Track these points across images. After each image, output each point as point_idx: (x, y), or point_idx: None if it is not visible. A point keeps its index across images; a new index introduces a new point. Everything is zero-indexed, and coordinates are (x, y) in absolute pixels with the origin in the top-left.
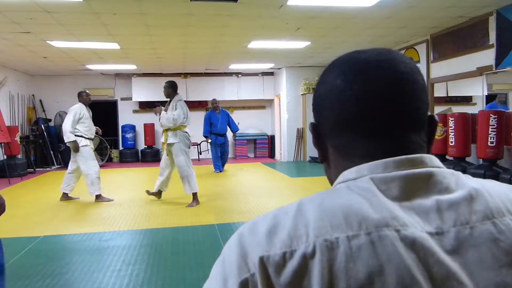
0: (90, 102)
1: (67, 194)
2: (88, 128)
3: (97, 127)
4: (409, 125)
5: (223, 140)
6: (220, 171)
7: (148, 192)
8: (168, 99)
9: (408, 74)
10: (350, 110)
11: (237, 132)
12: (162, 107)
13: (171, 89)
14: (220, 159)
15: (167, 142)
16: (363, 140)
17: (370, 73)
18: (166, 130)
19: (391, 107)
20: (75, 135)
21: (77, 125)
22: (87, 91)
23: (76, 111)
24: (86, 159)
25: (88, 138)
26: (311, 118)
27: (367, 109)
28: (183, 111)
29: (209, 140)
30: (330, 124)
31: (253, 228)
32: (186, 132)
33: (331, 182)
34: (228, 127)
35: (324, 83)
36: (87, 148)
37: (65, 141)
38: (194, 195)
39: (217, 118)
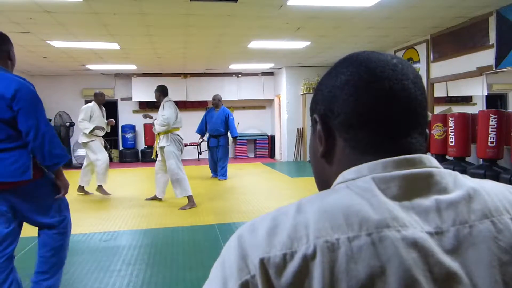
0: (104, 102)
1: (83, 187)
2: (98, 125)
3: (111, 119)
4: (421, 127)
5: (215, 142)
6: (215, 177)
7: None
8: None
9: (421, 79)
10: (376, 105)
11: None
12: (151, 116)
13: (160, 93)
14: (214, 164)
15: (159, 146)
16: (383, 137)
17: (397, 71)
18: (159, 133)
19: (413, 107)
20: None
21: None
22: (101, 92)
23: (87, 109)
24: (94, 151)
25: (96, 135)
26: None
27: (396, 107)
28: (172, 110)
29: (200, 140)
30: (345, 117)
31: (252, 230)
32: (178, 135)
33: (323, 181)
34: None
35: (340, 75)
36: (95, 142)
37: (87, 133)
38: (189, 198)
39: (211, 115)
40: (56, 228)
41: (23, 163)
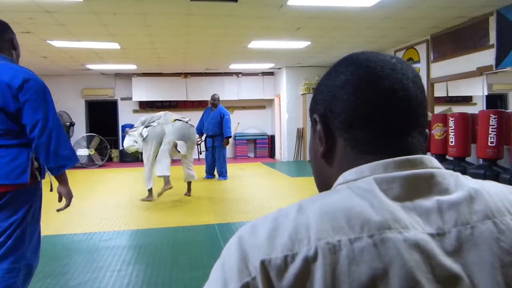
0: None
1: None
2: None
3: None
4: (421, 127)
5: (211, 143)
6: (210, 178)
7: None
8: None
9: (420, 78)
10: (376, 105)
11: (237, 132)
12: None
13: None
14: (209, 165)
15: None
16: (384, 137)
17: (396, 70)
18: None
19: (413, 107)
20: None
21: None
22: None
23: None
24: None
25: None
26: None
27: (396, 106)
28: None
29: (198, 140)
30: (345, 117)
31: (253, 231)
32: (152, 126)
33: (323, 182)
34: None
35: (340, 75)
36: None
37: None
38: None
39: (208, 115)
40: (6, 261)
41: (21, 163)
